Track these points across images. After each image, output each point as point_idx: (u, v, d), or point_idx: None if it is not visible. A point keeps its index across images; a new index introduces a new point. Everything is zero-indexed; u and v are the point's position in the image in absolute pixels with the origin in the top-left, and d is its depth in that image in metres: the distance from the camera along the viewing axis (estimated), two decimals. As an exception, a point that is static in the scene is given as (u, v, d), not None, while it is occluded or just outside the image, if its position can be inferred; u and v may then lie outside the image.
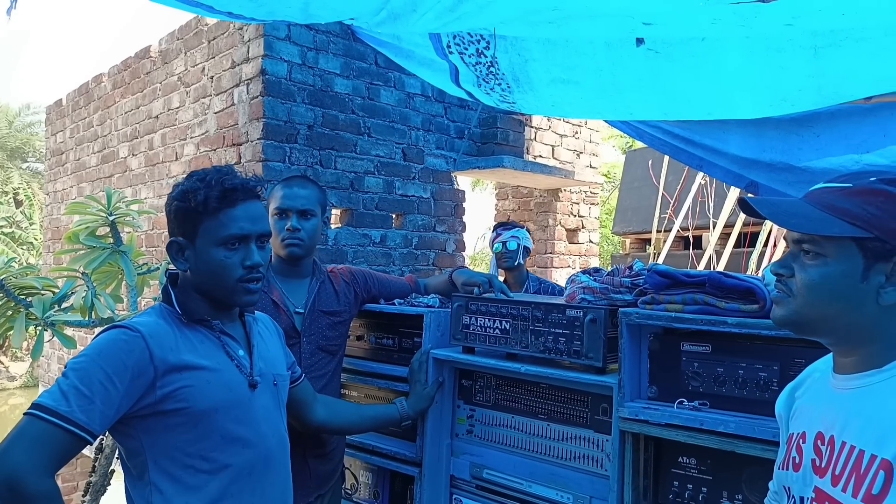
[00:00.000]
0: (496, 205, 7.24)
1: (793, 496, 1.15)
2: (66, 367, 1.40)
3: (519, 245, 3.77)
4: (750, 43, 2.08)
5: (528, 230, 3.94)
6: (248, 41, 4.62)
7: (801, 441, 1.15)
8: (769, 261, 5.33)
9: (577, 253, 6.78)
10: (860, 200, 1.01)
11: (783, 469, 1.20)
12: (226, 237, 1.52)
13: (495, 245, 3.81)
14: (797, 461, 1.15)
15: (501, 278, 3.83)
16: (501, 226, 3.89)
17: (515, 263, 3.78)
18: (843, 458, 1.03)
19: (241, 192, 1.54)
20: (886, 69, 2.11)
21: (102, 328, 1.51)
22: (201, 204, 1.51)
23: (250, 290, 1.56)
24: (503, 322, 2.07)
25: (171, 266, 1.89)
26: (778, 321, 1.12)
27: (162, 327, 1.49)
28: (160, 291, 1.62)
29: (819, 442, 1.10)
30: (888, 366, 1.02)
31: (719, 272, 1.70)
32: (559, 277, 6.31)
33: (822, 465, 1.08)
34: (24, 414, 1.36)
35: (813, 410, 1.15)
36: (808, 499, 1.11)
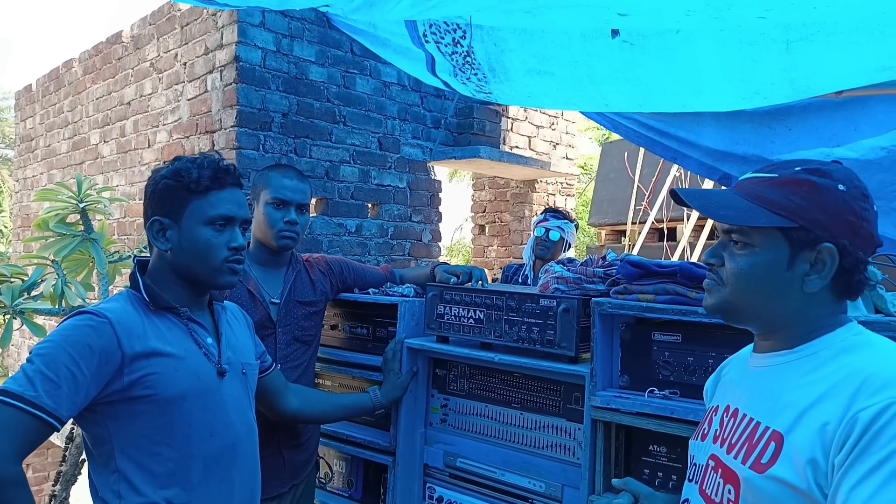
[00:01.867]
0: (473, 195, 7.24)
1: (694, 463, 1.21)
2: (31, 353, 1.39)
3: (561, 238, 3.66)
4: (723, 36, 2.10)
5: (576, 225, 3.80)
6: (222, 27, 4.57)
7: (713, 414, 1.20)
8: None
9: (553, 244, 6.80)
10: (786, 191, 1.05)
11: (693, 439, 1.25)
12: (214, 217, 1.53)
13: (538, 229, 3.68)
14: (705, 431, 1.20)
15: (534, 260, 3.75)
16: (551, 212, 3.75)
17: (550, 255, 3.65)
18: (741, 429, 1.09)
19: (230, 176, 1.58)
20: (858, 63, 2.14)
21: (67, 315, 1.49)
22: (193, 182, 1.52)
23: (234, 269, 1.57)
24: (477, 312, 2.07)
25: (142, 253, 1.87)
26: (708, 308, 1.15)
27: (129, 313, 1.48)
28: (129, 278, 1.60)
29: (725, 414, 1.15)
30: (798, 347, 1.07)
31: (691, 263, 1.72)
32: (535, 268, 6.33)
33: (722, 436, 1.13)
34: None
35: (729, 386, 1.21)
36: (702, 465, 1.16)
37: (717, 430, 1.15)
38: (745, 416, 1.09)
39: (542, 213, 3.80)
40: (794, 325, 1.07)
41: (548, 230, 3.64)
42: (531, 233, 3.83)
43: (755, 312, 1.10)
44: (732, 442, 1.09)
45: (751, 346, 1.20)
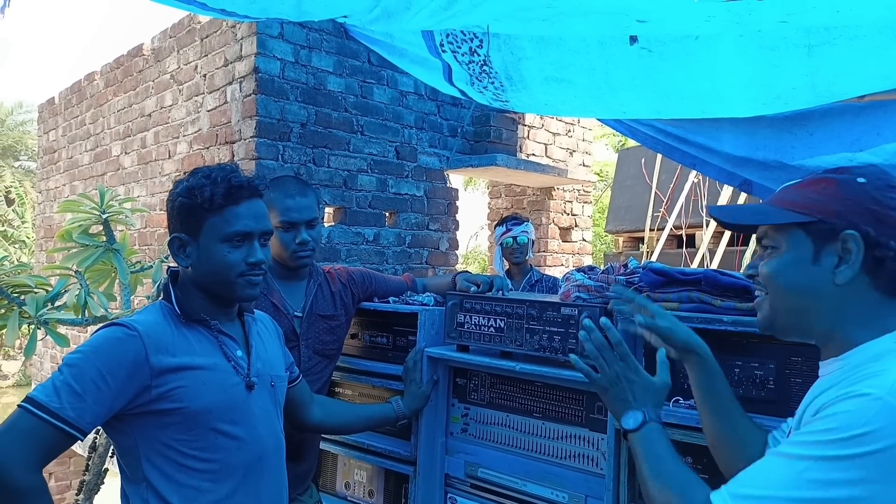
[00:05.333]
0: (489, 203, 7.24)
1: None
2: (62, 362, 1.41)
3: (529, 240, 3.88)
4: (744, 41, 2.08)
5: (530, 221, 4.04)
6: (241, 39, 4.61)
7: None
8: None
9: (571, 251, 6.79)
10: (806, 190, 1.09)
11: None
12: (230, 234, 1.52)
13: (505, 239, 3.86)
14: None
15: (506, 267, 3.94)
16: (511, 220, 3.91)
17: (524, 259, 3.88)
18: None
19: (246, 190, 1.55)
20: (880, 67, 2.12)
21: (99, 325, 1.52)
22: (207, 200, 1.51)
23: (252, 282, 1.56)
24: (498, 320, 2.06)
25: (171, 263, 1.89)
26: (759, 325, 1.17)
27: (161, 326, 1.49)
28: (157, 289, 1.62)
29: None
30: (843, 355, 1.06)
31: (715, 270, 1.70)
32: (552, 275, 6.31)
33: None
34: (18, 406, 1.37)
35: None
36: None
37: None
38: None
39: (501, 225, 3.96)
40: (839, 326, 1.06)
41: (515, 238, 3.85)
42: (496, 245, 4.02)
43: (797, 316, 1.09)
44: None
45: None
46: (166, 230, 1.60)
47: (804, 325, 1.10)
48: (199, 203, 1.51)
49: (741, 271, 1.23)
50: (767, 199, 1.16)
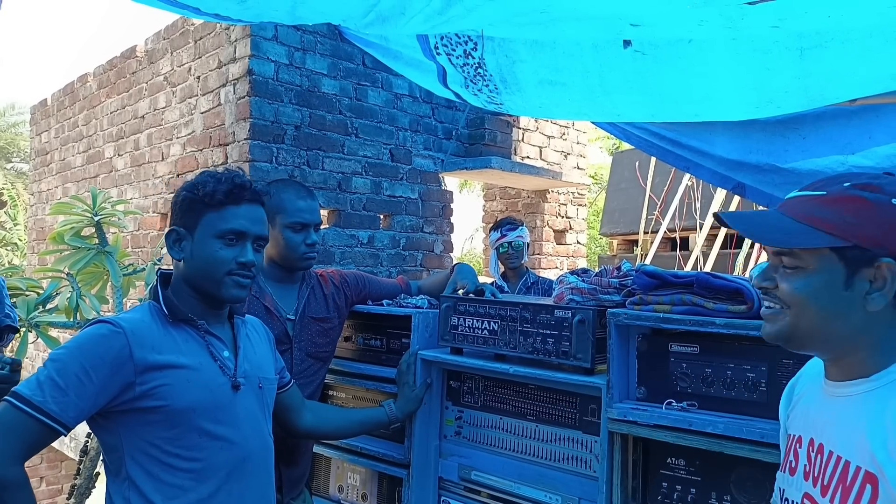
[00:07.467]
0: (484, 206, 7.24)
1: (786, 498, 1.16)
2: (48, 357, 1.43)
3: (524, 244, 3.88)
4: (736, 45, 2.09)
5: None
6: (235, 41, 4.60)
7: (797, 445, 1.15)
8: (755, 262, 5.36)
9: (565, 254, 6.80)
10: (837, 208, 1.01)
11: (781, 471, 1.20)
12: (225, 231, 1.54)
13: (501, 245, 3.85)
14: (793, 465, 1.15)
15: (502, 270, 3.95)
16: (506, 225, 3.90)
17: (520, 262, 3.89)
18: (830, 469, 1.04)
19: (248, 192, 1.58)
20: (872, 71, 2.13)
21: (89, 323, 1.53)
22: (208, 195, 1.54)
23: (240, 283, 1.57)
24: (491, 323, 2.06)
25: (164, 266, 1.89)
26: (769, 337, 1.10)
27: (147, 324, 1.50)
28: (149, 292, 1.63)
29: (810, 448, 1.10)
30: (874, 375, 1.02)
31: (707, 273, 1.70)
32: (548, 278, 6.31)
33: (813, 473, 1.08)
34: (3, 400, 1.39)
35: (808, 414, 1.15)
36: (797, 503, 1.11)
37: (806, 465, 1.10)
38: (831, 453, 1.04)
39: (496, 230, 3.94)
40: (862, 347, 1.03)
41: (510, 243, 3.85)
42: (491, 248, 4.01)
43: (819, 336, 1.05)
44: (825, 483, 1.05)
45: (820, 364, 1.15)
46: (159, 232, 1.62)
47: (823, 343, 1.06)
48: (200, 197, 1.54)
49: (754, 269, 1.17)
50: (785, 209, 1.08)
